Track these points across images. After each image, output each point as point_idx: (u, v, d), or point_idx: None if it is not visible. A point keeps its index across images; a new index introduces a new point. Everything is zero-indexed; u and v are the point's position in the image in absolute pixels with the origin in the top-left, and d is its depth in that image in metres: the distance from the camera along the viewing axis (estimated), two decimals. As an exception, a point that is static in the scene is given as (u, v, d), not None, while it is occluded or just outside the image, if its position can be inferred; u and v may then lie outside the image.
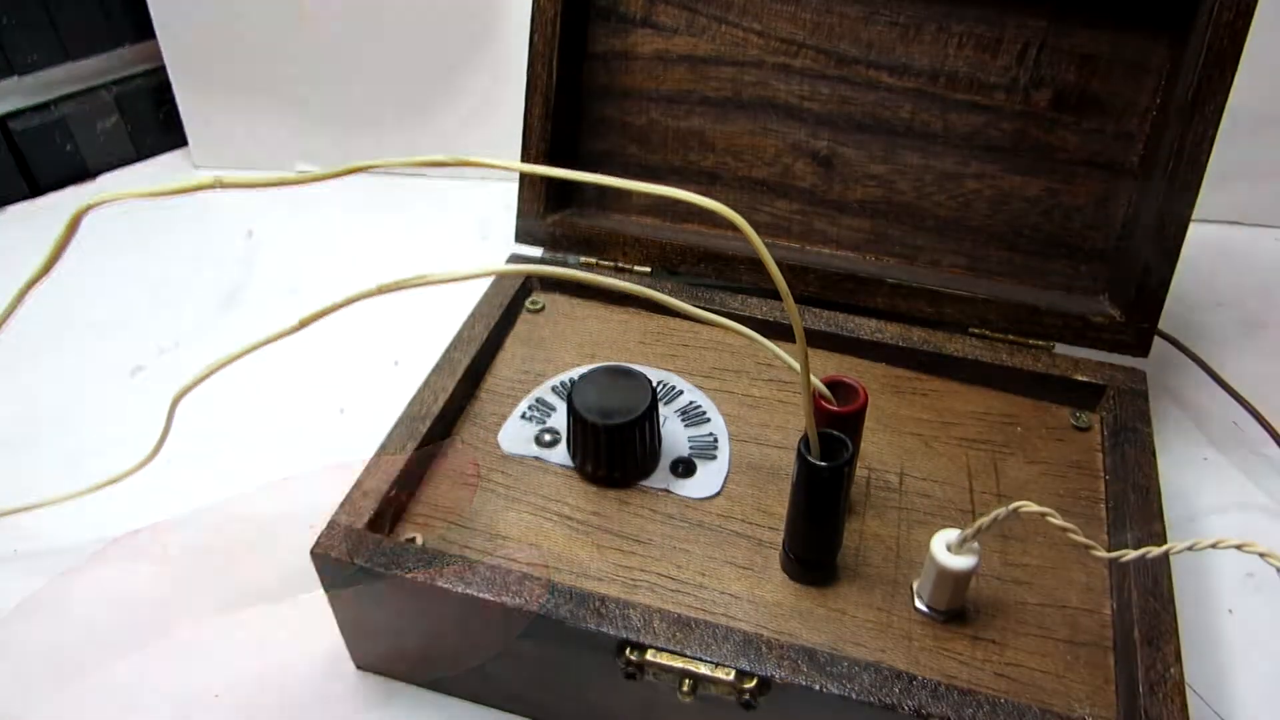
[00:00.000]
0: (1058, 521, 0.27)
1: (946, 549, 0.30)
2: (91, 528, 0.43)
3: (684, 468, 0.37)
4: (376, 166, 0.27)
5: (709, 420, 0.39)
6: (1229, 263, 0.62)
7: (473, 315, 0.43)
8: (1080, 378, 0.41)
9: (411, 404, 0.39)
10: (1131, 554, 0.28)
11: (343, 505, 0.34)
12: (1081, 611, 0.33)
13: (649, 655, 0.30)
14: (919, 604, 0.32)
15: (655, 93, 0.48)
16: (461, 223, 0.65)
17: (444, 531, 0.35)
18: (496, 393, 0.41)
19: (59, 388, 0.53)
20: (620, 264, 0.47)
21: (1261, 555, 0.25)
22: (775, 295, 0.32)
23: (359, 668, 0.38)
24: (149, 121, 0.71)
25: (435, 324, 0.44)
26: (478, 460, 0.38)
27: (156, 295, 0.59)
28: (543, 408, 0.40)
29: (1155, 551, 0.26)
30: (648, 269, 0.47)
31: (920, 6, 0.44)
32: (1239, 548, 0.25)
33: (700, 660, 0.29)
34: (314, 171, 0.27)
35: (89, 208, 0.25)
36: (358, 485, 0.35)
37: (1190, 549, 0.27)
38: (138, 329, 0.57)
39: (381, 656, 0.38)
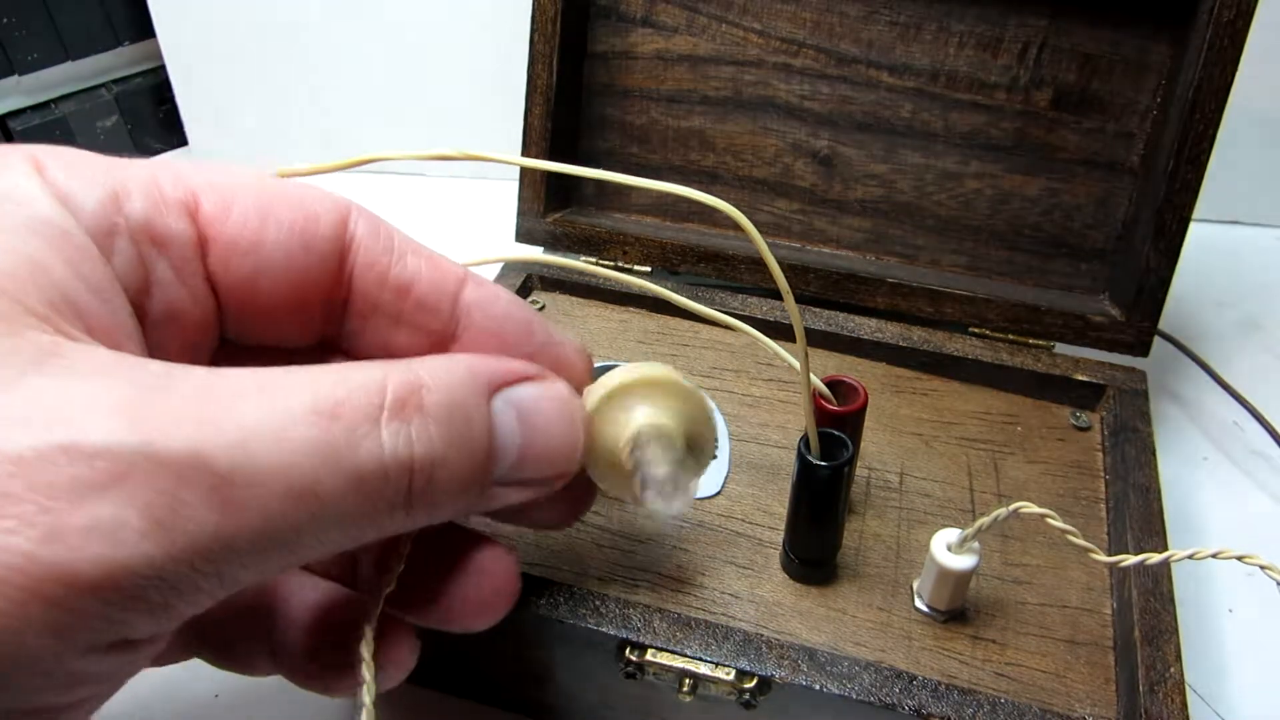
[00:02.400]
0: (1057, 524, 0.27)
1: (947, 549, 0.30)
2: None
3: (684, 467, 0.37)
4: (379, 160, 0.27)
5: (709, 420, 0.39)
6: (1229, 263, 0.62)
7: (473, 315, 0.43)
8: (1080, 377, 0.41)
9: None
10: (1131, 559, 0.27)
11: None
12: (1082, 611, 0.33)
13: (649, 655, 0.30)
14: (919, 604, 0.32)
15: (655, 92, 0.48)
16: (461, 222, 0.65)
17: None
18: (496, 392, 0.41)
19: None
20: (620, 263, 0.47)
21: (1263, 568, 0.25)
22: (776, 295, 0.32)
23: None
24: (149, 121, 0.71)
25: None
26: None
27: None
28: (543, 407, 0.40)
29: (1155, 559, 0.26)
30: (648, 268, 0.47)
31: (920, 6, 0.44)
32: (1240, 559, 0.25)
33: (700, 660, 0.29)
34: (314, 166, 0.27)
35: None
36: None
37: (1191, 558, 0.26)
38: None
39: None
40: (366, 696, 0.23)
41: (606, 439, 0.26)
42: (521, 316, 0.26)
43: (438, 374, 0.21)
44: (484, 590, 0.25)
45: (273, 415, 0.18)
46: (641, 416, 0.26)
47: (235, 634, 0.26)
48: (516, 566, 0.26)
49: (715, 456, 0.29)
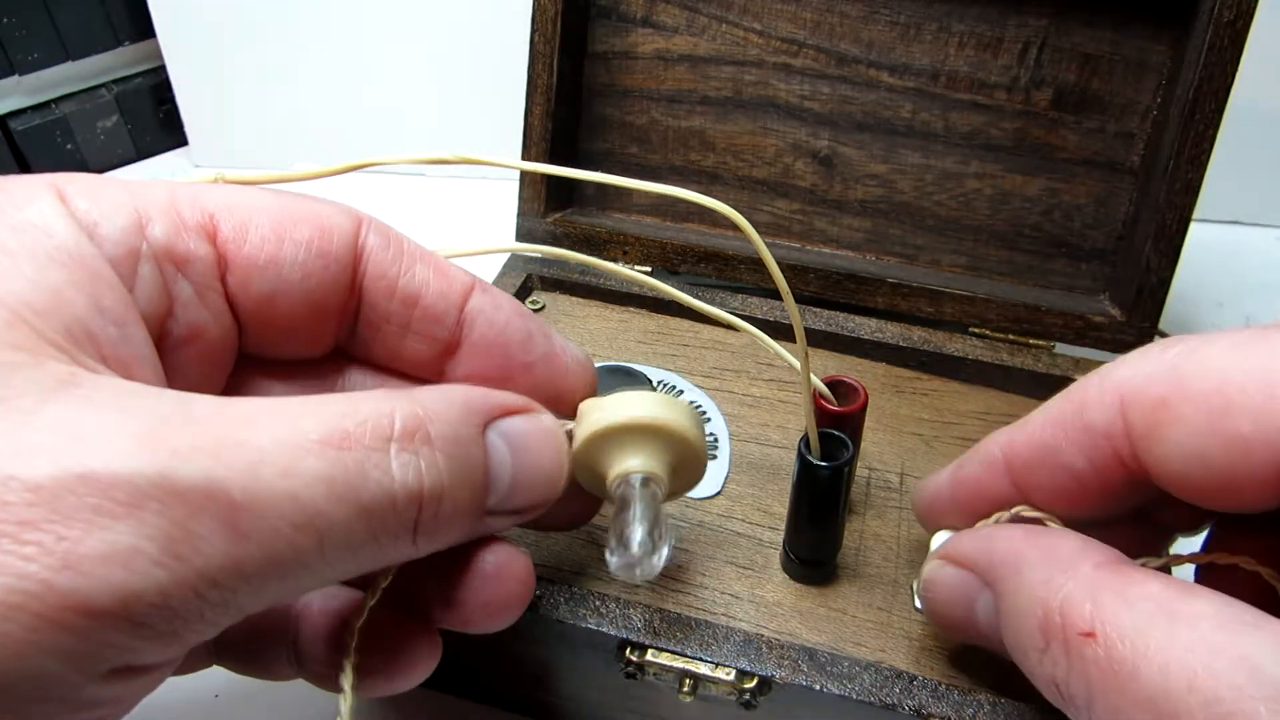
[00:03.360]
0: (1057, 525, 0.27)
1: (947, 549, 0.30)
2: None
3: (684, 467, 0.37)
4: (377, 164, 0.27)
5: (709, 420, 0.39)
6: (1229, 263, 0.62)
7: (473, 315, 0.43)
8: (1081, 378, 0.41)
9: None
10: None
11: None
12: (1082, 611, 0.33)
13: (649, 655, 0.30)
14: (919, 604, 0.32)
15: (656, 92, 0.48)
16: (461, 222, 0.65)
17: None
18: (496, 392, 0.41)
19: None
20: (620, 263, 0.47)
21: (1260, 571, 0.25)
22: (775, 295, 0.32)
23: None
24: (149, 121, 0.71)
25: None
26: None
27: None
28: (543, 407, 0.40)
29: (1155, 563, 0.26)
30: (648, 268, 0.47)
31: (921, 6, 0.44)
32: (1237, 563, 0.25)
33: (700, 660, 0.29)
34: (314, 169, 0.27)
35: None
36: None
37: (1190, 561, 0.26)
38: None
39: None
40: (344, 705, 0.23)
41: (596, 466, 0.27)
42: (523, 326, 0.27)
43: (438, 407, 0.22)
44: (500, 591, 0.26)
45: (283, 446, 0.19)
46: (632, 463, 0.26)
47: (256, 643, 0.27)
48: (530, 566, 0.26)
49: (697, 482, 0.29)
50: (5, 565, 0.16)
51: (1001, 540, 0.25)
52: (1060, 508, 0.26)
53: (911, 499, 0.31)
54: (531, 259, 0.47)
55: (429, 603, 0.26)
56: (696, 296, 0.44)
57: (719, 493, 0.36)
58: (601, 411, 0.26)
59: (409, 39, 0.65)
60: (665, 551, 0.25)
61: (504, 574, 0.26)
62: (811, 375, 0.30)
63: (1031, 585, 0.23)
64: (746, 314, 0.44)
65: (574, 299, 0.46)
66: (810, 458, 0.30)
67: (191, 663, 0.27)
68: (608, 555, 0.25)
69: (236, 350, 0.25)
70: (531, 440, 0.24)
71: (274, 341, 0.25)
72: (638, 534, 0.25)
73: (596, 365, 0.41)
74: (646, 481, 0.26)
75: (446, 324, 0.26)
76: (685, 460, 0.28)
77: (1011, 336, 0.43)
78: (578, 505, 0.29)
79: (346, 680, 0.24)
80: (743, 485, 0.37)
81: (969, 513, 0.28)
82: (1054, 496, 0.26)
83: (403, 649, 0.26)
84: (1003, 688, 0.30)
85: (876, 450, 0.38)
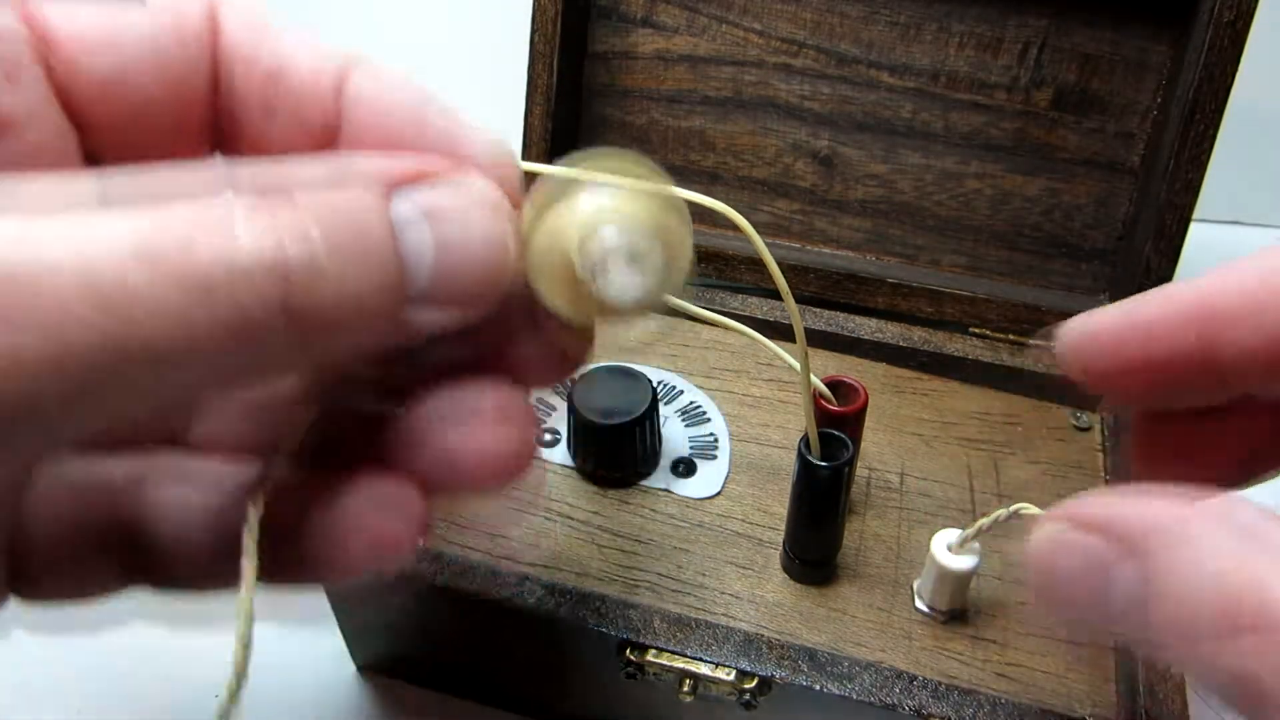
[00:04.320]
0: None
1: (947, 549, 0.30)
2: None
3: (684, 467, 0.37)
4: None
5: (709, 420, 0.39)
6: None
7: (473, 315, 0.43)
8: None
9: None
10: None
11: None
12: (1082, 611, 0.33)
13: (649, 655, 0.30)
14: (919, 604, 0.32)
15: (656, 92, 0.48)
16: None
17: (444, 532, 0.35)
18: (497, 392, 0.41)
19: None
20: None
21: None
22: (775, 295, 0.32)
23: (359, 668, 0.38)
24: (149, 121, 0.71)
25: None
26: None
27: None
28: (543, 407, 0.40)
29: None
30: (648, 269, 0.47)
31: (921, 6, 0.44)
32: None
33: (701, 660, 0.29)
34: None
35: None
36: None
37: None
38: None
39: (382, 657, 0.37)
40: (244, 593, 0.19)
41: (553, 238, 0.20)
42: (416, 104, 0.21)
43: (311, 170, 0.18)
44: (500, 437, 0.20)
45: (79, 221, 0.15)
46: (597, 199, 0.21)
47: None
48: (533, 413, 0.21)
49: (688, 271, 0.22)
50: None
51: (1156, 503, 0.20)
52: (1252, 381, 0.21)
53: (1060, 336, 0.25)
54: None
55: (409, 453, 0.20)
56: (697, 297, 0.44)
57: (719, 493, 0.36)
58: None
59: (408, 39, 0.65)
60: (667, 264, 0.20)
61: (506, 418, 0.20)
62: (811, 375, 0.30)
63: (1212, 557, 0.18)
64: (746, 314, 0.44)
65: (574, 299, 0.46)
66: (810, 458, 0.30)
67: (104, 582, 0.21)
68: (596, 278, 0.19)
69: (79, 165, 0.20)
70: (456, 208, 0.19)
71: (127, 156, 0.20)
72: (621, 242, 0.20)
73: (597, 365, 0.41)
74: (621, 218, 0.20)
75: (319, 104, 0.20)
76: (664, 217, 0.21)
77: (1011, 336, 0.43)
78: (563, 350, 0.22)
79: (249, 560, 0.18)
80: (743, 485, 0.37)
81: (1134, 360, 0.22)
82: (1248, 364, 0.20)
83: (374, 521, 0.20)
84: (1003, 688, 0.30)
85: (876, 450, 0.38)
